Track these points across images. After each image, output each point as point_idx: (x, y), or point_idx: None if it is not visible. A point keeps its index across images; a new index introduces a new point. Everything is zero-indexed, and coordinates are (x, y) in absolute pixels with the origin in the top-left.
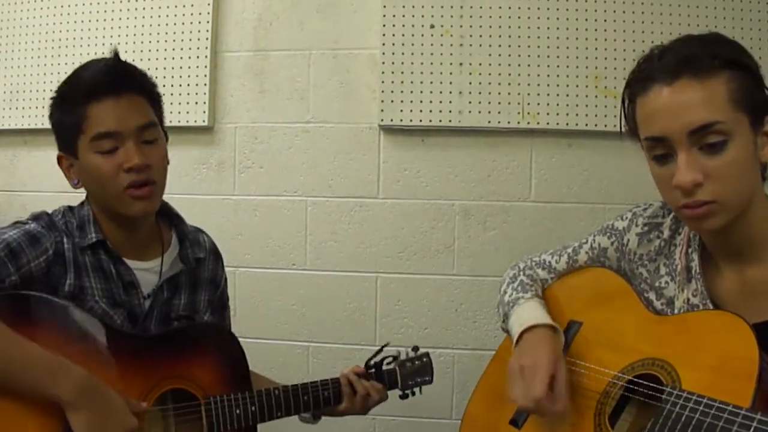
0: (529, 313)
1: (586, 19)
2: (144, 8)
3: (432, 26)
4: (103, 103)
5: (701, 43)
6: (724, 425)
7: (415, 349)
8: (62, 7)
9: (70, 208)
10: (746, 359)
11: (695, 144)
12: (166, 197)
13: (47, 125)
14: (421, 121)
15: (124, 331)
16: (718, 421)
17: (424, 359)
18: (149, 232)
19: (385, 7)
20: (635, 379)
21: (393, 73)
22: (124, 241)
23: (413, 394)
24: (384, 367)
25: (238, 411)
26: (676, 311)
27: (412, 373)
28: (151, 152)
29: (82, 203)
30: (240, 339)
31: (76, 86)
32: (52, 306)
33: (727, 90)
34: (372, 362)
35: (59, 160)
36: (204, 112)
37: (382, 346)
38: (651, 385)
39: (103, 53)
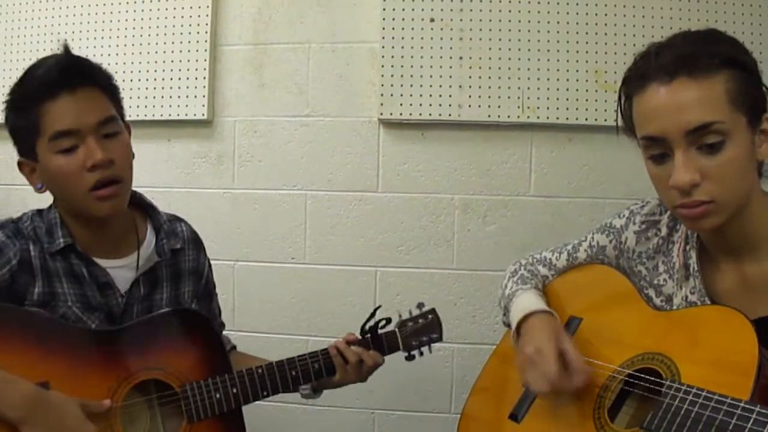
0: (525, 302)
1: (587, 13)
2: (143, 2)
3: (432, 20)
4: (59, 100)
5: (699, 40)
6: (723, 417)
7: (420, 305)
8: (62, 1)
9: (39, 212)
10: (745, 353)
11: (693, 144)
12: (165, 191)
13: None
14: (420, 114)
15: (87, 329)
16: (717, 414)
17: (429, 316)
18: (122, 228)
19: (384, 0)
20: (635, 373)
21: (392, 66)
22: (96, 241)
23: (421, 354)
24: (381, 331)
25: (218, 395)
26: (674, 308)
27: (415, 332)
28: (114, 146)
29: (50, 206)
30: (239, 332)
31: (28, 86)
32: (10, 312)
33: (725, 89)
34: (367, 327)
35: (20, 165)
36: (203, 105)
37: (375, 309)
38: (651, 378)
39: (102, 47)
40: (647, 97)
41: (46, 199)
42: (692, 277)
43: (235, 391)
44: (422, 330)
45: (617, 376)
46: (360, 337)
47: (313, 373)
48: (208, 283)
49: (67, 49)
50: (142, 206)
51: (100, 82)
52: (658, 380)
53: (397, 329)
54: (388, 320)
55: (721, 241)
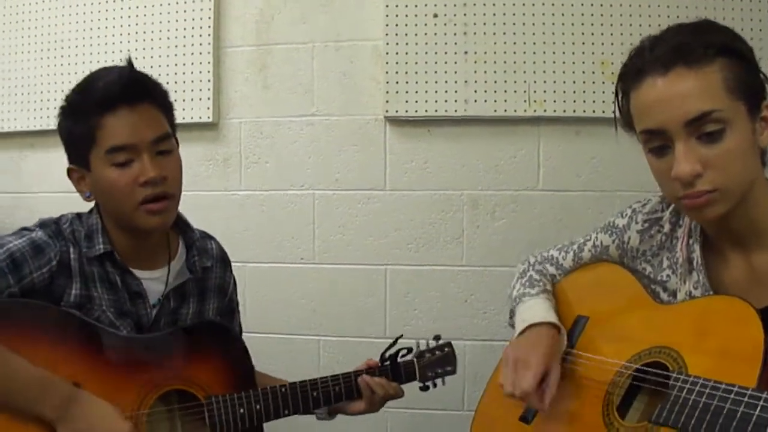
0: (533, 310)
1: (592, 4)
2: (146, 6)
3: (435, 15)
4: (118, 114)
5: (693, 31)
6: (731, 407)
7: (437, 338)
8: (64, 7)
9: (79, 216)
10: (751, 341)
11: (693, 134)
12: None
13: (53, 126)
14: (426, 111)
15: (121, 335)
16: (724, 403)
17: (446, 349)
18: (158, 241)
19: None
20: (642, 368)
21: (397, 63)
22: (133, 251)
23: (434, 385)
24: (399, 360)
25: (242, 410)
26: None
27: (431, 363)
28: (167, 164)
29: (90, 211)
30: (250, 334)
31: (88, 96)
32: (48, 312)
33: (722, 78)
34: (387, 355)
35: (69, 172)
36: (208, 108)
37: (396, 338)
38: (657, 371)
39: (105, 53)
40: (644, 90)
41: (56, 206)
42: (695, 272)
43: (258, 407)
44: (438, 362)
45: (625, 372)
46: (380, 363)
47: (334, 396)
48: (231, 301)
49: (130, 63)
50: (177, 222)
51: (158, 99)
52: (664, 373)
53: (415, 359)
54: (409, 350)
55: (726, 231)
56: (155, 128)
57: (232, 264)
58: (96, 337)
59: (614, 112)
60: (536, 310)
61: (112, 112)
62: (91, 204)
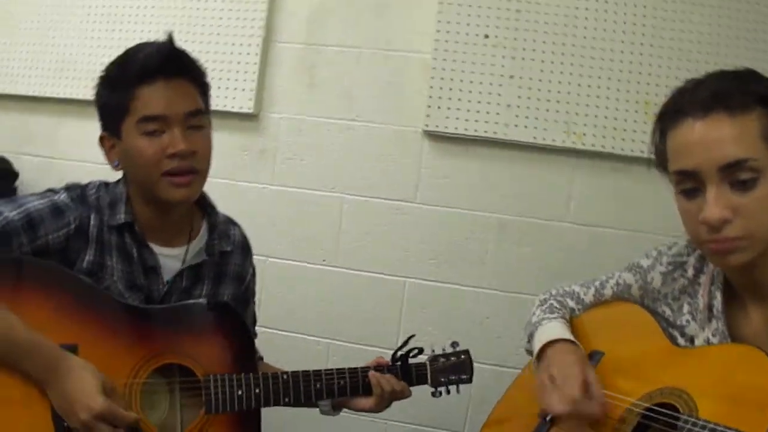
0: (551, 330)
1: (642, 44)
2: None
3: (486, 36)
4: (154, 86)
5: (735, 78)
6: None
7: (454, 344)
8: None
9: (106, 184)
10: (763, 390)
11: (725, 180)
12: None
13: (90, 97)
14: (466, 130)
15: (125, 303)
16: None
17: (462, 356)
18: (181, 219)
19: (440, 12)
20: (653, 407)
21: (442, 79)
22: (155, 225)
23: (448, 392)
24: (411, 361)
25: (240, 392)
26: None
27: (445, 369)
28: (197, 139)
29: (118, 181)
30: (261, 329)
31: (127, 67)
32: (57, 272)
33: (760, 126)
34: (398, 354)
35: (101, 140)
36: (250, 99)
37: (409, 337)
38: (667, 412)
39: (154, 30)
40: (682, 131)
41: (87, 176)
42: (715, 319)
43: (257, 391)
44: (453, 368)
45: (634, 409)
46: (390, 362)
47: (338, 389)
48: (248, 291)
49: (171, 38)
50: (202, 204)
51: (195, 76)
52: (674, 414)
53: (428, 362)
54: (420, 350)
55: (748, 281)
56: (189, 103)
57: (254, 256)
58: (102, 302)
59: (649, 147)
60: (555, 330)
61: (149, 83)
62: (120, 175)
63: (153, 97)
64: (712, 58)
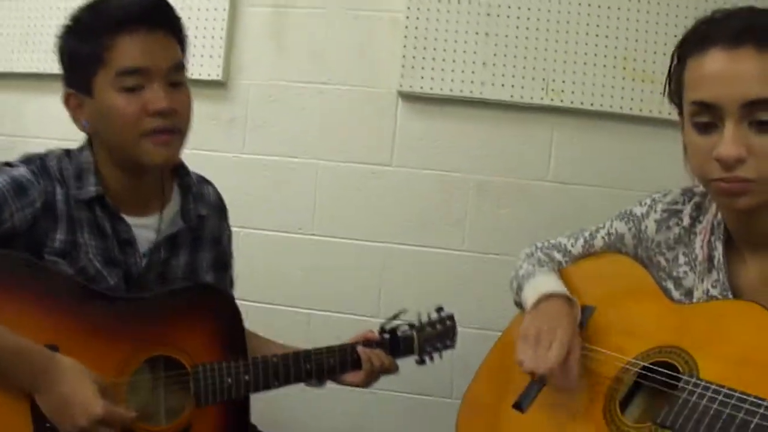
0: (545, 282)
1: None
2: None
3: None
4: (135, 35)
5: None
6: (744, 416)
7: (439, 309)
8: None
9: (68, 153)
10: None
11: (745, 118)
12: None
13: (57, 71)
14: (441, 89)
15: (105, 294)
16: (738, 412)
17: (448, 322)
18: (153, 184)
19: None
20: (651, 366)
21: (416, 38)
22: (126, 193)
23: (432, 359)
24: (399, 333)
25: (229, 380)
26: (694, 302)
27: (432, 337)
28: (179, 97)
29: (81, 148)
30: (240, 301)
31: (102, 14)
32: (26, 264)
33: None
34: (387, 327)
35: (67, 98)
36: (219, 66)
37: (398, 312)
38: (667, 372)
39: None
40: (706, 60)
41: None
42: (716, 270)
43: (247, 378)
44: (439, 336)
45: (631, 369)
46: (379, 336)
47: (328, 368)
48: (225, 254)
49: None
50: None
51: (177, 29)
52: (675, 374)
53: (415, 333)
54: (411, 325)
55: (750, 230)
56: (171, 55)
57: (229, 221)
58: (78, 295)
59: (666, 77)
60: (550, 283)
61: (129, 32)
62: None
63: (133, 48)
64: (692, 13)
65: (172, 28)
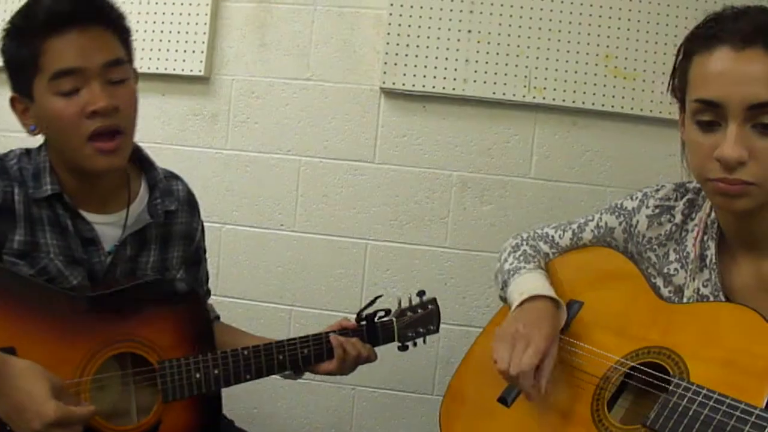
0: (531, 282)
1: None
2: None
3: None
4: (65, 36)
5: None
6: (735, 424)
7: (421, 294)
8: None
9: (28, 153)
10: (761, 357)
11: (749, 120)
12: (155, 147)
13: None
14: (424, 86)
15: (63, 293)
16: (728, 419)
17: (429, 306)
18: (115, 182)
19: None
20: (639, 367)
21: (399, 35)
22: (85, 192)
23: (414, 344)
24: (377, 321)
25: (197, 375)
26: (684, 300)
27: (412, 322)
28: (119, 93)
29: (39, 147)
30: (219, 299)
31: (33, 17)
32: None
33: None
34: (364, 314)
35: (12, 102)
36: (201, 62)
37: (376, 297)
38: (657, 374)
39: None
40: (714, 58)
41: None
42: (707, 269)
43: (216, 372)
44: (420, 321)
45: (620, 368)
46: (355, 323)
47: (302, 359)
48: (199, 249)
49: None
50: (139, 160)
51: (112, 21)
52: (665, 377)
53: (394, 319)
54: (387, 311)
55: (744, 232)
56: (107, 52)
57: (209, 224)
58: (37, 296)
59: (671, 74)
60: (535, 283)
61: (59, 34)
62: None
63: (64, 49)
64: (673, 11)
65: (107, 23)
